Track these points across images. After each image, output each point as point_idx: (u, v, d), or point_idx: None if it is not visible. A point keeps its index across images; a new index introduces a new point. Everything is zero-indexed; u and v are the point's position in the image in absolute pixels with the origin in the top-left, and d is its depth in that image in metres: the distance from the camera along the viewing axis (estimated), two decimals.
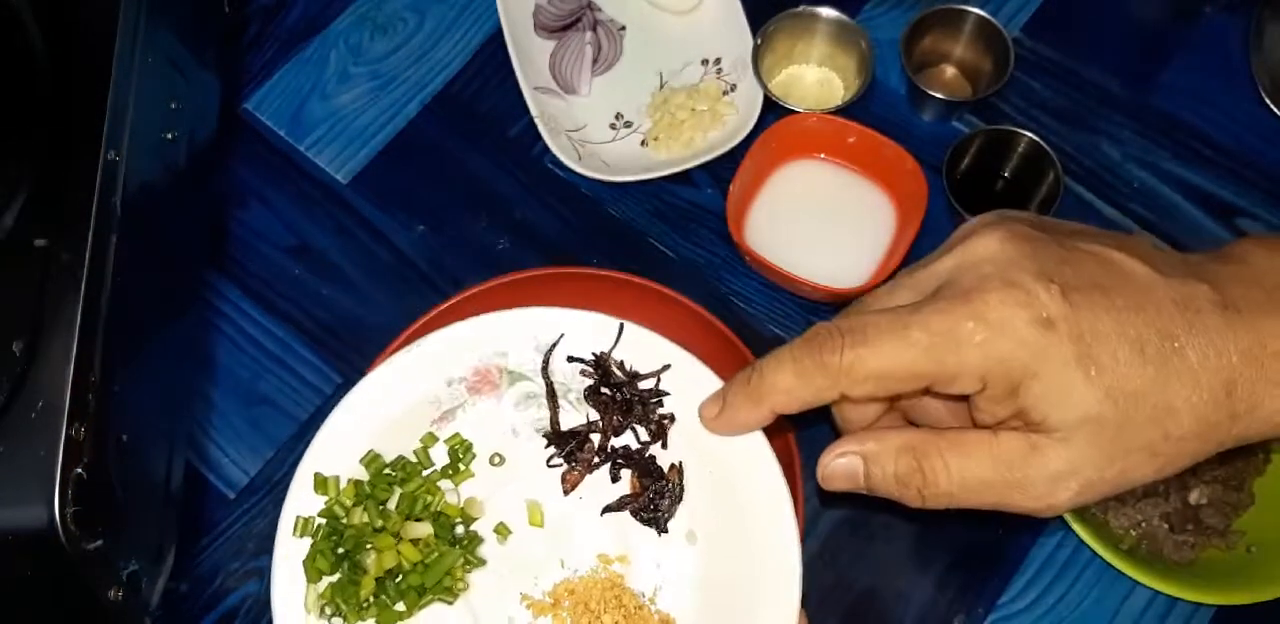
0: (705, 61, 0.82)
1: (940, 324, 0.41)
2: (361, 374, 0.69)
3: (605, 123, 0.81)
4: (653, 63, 0.83)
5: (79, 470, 0.49)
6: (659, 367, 0.52)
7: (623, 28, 0.84)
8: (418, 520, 0.52)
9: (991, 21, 0.77)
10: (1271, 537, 0.67)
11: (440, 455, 0.54)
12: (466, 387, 0.54)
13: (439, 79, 0.83)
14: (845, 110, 0.77)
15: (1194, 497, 0.68)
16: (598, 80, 0.83)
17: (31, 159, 0.54)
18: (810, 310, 0.76)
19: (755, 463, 0.50)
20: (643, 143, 0.80)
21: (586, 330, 0.52)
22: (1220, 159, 0.79)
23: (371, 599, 0.50)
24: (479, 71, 0.84)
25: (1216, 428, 0.41)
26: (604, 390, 0.52)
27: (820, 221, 0.76)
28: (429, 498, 0.52)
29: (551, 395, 0.52)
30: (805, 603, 0.51)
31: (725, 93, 0.80)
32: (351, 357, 0.76)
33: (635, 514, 0.53)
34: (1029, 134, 0.75)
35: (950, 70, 0.82)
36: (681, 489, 0.52)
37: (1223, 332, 0.40)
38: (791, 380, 0.44)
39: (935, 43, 0.80)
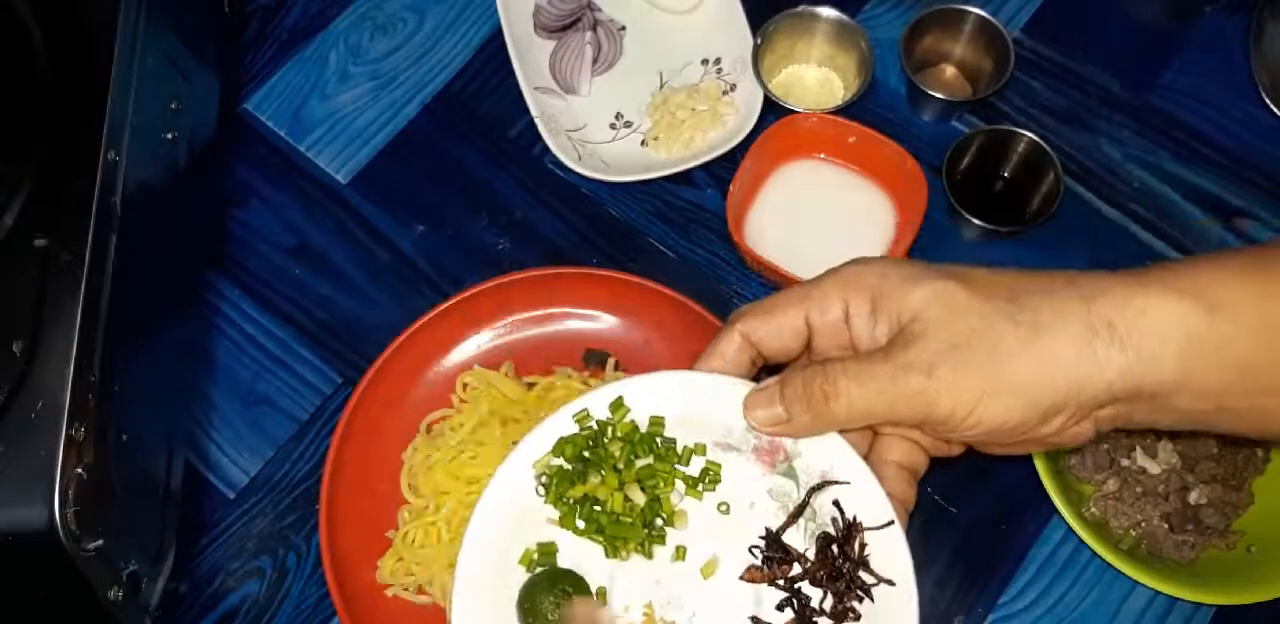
0: (705, 61, 0.82)
1: None
2: (361, 373, 0.70)
3: (605, 123, 0.81)
4: (653, 63, 0.83)
5: (79, 470, 0.49)
6: (889, 576, 0.52)
7: (623, 28, 0.84)
8: (642, 489, 0.54)
9: (991, 21, 0.77)
10: (1271, 537, 0.67)
11: (695, 466, 0.55)
12: (754, 445, 0.54)
13: (439, 79, 0.83)
14: (845, 110, 0.77)
15: (1194, 497, 0.68)
16: (598, 80, 0.83)
17: (31, 159, 0.54)
18: None
19: None
20: (643, 143, 0.80)
21: (866, 497, 0.53)
22: (1220, 159, 0.79)
23: (571, 500, 0.54)
24: (479, 71, 0.84)
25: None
26: (833, 549, 0.53)
27: (820, 221, 0.76)
28: (663, 485, 0.54)
29: (799, 512, 0.53)
30: None
31: (725, 93, 0.80)
32: (351, 357, 0.76)
33: None
34: (1029, 134, 0.75)
35: (950, 70, 0.82)
36: None
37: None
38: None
39: (935, 43, 0.80)
